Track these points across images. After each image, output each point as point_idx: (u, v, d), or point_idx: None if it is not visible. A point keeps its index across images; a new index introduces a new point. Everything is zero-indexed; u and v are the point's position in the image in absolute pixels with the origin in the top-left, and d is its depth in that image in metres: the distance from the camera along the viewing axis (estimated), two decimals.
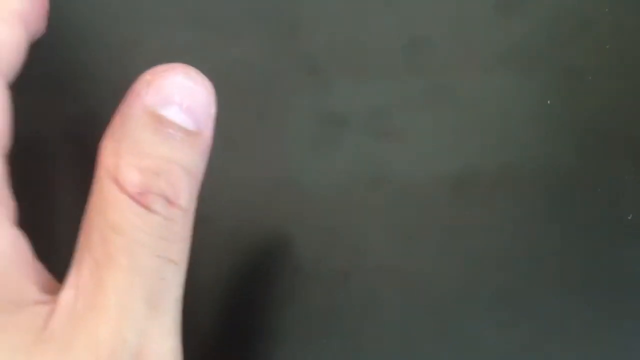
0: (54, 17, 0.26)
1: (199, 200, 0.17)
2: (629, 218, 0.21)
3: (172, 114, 0.15)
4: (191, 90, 0.16)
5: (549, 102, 0.22)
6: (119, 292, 0.14)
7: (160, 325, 0.15)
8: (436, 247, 0.21)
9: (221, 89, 0.20)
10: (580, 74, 0.22)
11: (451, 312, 0.20)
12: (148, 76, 0.16)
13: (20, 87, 0.18)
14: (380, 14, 0.23)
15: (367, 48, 0.23)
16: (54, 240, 0.19)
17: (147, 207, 0.15)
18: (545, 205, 0.21)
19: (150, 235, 0.15)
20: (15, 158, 0.17)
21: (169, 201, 0.15)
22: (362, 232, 0.21)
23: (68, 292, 0.15)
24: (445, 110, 0.22)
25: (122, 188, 0.15)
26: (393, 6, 0.23)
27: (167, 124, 0.15)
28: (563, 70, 0.22)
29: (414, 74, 0.23)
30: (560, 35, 0.23)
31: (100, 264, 0.15)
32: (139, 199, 0.15)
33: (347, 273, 0.21)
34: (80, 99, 0.22)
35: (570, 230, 0.21)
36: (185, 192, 0.16)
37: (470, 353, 0.20)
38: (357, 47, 0.23)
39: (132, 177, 0.15)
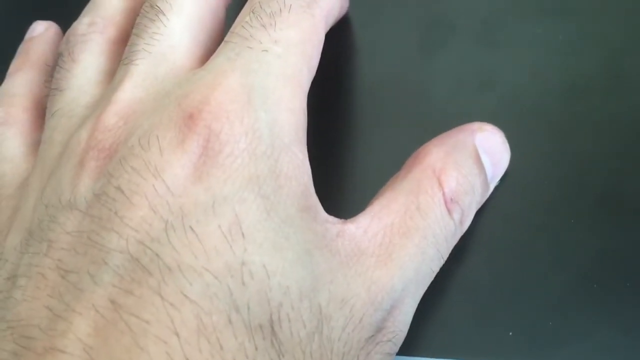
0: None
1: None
2: None
3: (485, 161, 0.19)
4: (502, 154, 0.20)
5: None
6: (406, 259, 0.17)
7: (413, 301, 0.18)
8: (543, 151, 0.21)
9: None
10: None
11: (553, 214, 0.20)
12: (480, 124, 0.20)
13: None
14: None
15: None
16: None
17: (450, 212, 0.18)
18: None
19: (441, 232, 0.18)
20: None
21: (462, 217, 0.18)
22: None
23: (357, 229, 0.17)
24: (558, 21, 0.22)
25: (440, 186, 0.18)
26: None
27: (482, 166, 0.19)
28: None
29: None
30: None
31: (395, 228, 0.17)
32: (448, 203, 0.18)
33: None
34: None
35: None
36: (470, 219, 0.19)
37: (571, 254, 0.19)
38: None
39: (451, 183, 0.18)
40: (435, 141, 0.19)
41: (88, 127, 0.17)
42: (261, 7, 0.18)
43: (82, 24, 0.20)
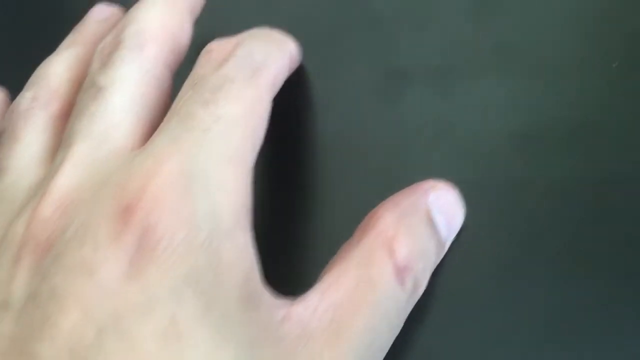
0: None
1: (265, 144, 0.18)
2: None
3: (439, 221, 0.19)
4: (455, 212, 0.20)
5: (614, 65, 0.22)
6: (356, 337, 0.16)
7: None
8: (497, 202, 0.21)
9: None
10: None
11: (508, 269, 0.20)
12: (433, 183, 0.20)
13: None
14: None
15: (432, 3, 0.23)
16: None
17: (402, 281, 0.17)
18: (611, 166, 0.20)
19: (393, 305, 0.17)
20: None
21: (416, 284, 0.18)
22: None
23: (305, 310, 0.16)
24: (512, 69, 0.22)
25: (391, 255, 0.17)
26: None
27: (434, 226, 0.19)
28: (631, 34, 0.22)
29: (481, 32, 0.23)
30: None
31: (344, 305, 0.17)
32: (400, 272, 0.17)
33: None
34: None
35: (637, 193, 0.20)
36: (425, 283, 0.18)
37: (529, 310, 0.19)
38: (421, 3, 0.23)
39: (403, 251, 0.18)
40: (387, 204, 0.19)
41: (24, 219, 0.16)
42: (202, 82, 0.18)
43: (24, 98, 0.20)
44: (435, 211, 0.19)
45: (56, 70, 0.21)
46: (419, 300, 0.19)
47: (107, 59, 0.19)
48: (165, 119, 0.17)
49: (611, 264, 0.19)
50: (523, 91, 0.22)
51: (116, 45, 0.19)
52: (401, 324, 0.18)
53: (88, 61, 0.21)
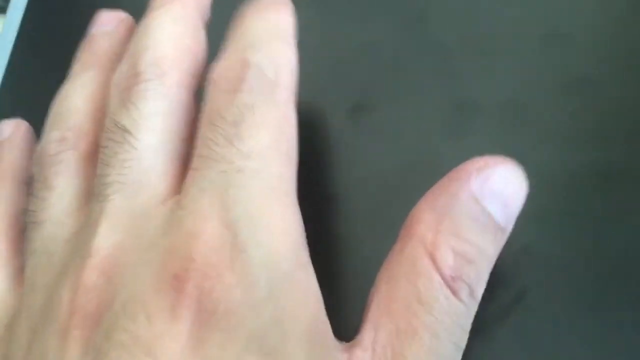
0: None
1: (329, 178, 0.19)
2: None
3: (493, 208, 0.16)
4: (512, 189, 0.16)
5: None
6: None
7: None
8: (575, 235, 0.19)
9: (351, 73, 0.22)
10: None
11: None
12: (480, 163, 0.16)
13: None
14: (518, 3, 0.22)
15: (501, 36, 0.22)
16: None
17: (455, 293, 0.15)
18: None
19: (452, 321, 0.15)
20: None
21: (472, 291, 0.15)
22: None
23: (364, 353, 0.15)
24: (584, 104, 0.21)
25: (436, 266, 0.15)
26: None
27: (486, 216, 0.16)
28: None
29: (550, 66, 0.21)
30: None
31: (401, 335, 0.15)
32: (450, 283, 0.15)
33: None
34: None
35: None
36: (483, 286, 0.16)
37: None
38: (490, 36, 0.22)
39: (448, 259, 0.15)
40: (427, 200, 0.16)
41: (69, 286, 0.15)
42: (220, 118, 0.16)
43: (51, 141, 0.19)
44: (487, 196, 0.16)
45: (77, 104, 0.19)
46: None
47: (127, 95, 0.18)
48: (193, 163, 0.16)
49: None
50: (598, 126, 0.20)
51: (134, 78, 0.18)
52: (466, 335, 0.16)
53: (106, 87, 0.20)
